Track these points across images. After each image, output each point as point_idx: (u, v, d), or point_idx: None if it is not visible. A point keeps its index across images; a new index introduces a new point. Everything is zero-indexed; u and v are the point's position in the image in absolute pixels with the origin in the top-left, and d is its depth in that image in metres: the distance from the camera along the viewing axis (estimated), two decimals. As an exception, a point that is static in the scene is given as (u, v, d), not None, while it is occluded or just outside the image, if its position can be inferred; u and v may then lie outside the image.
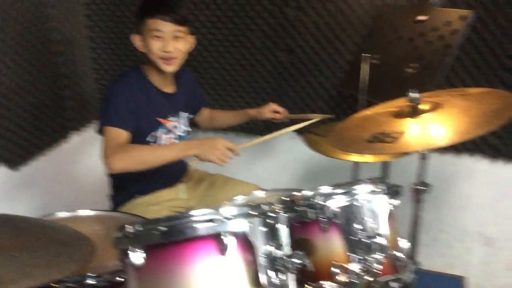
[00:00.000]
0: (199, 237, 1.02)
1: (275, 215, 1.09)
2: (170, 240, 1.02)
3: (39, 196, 2.54)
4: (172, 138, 2.06)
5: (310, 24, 2.37)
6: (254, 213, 1.07)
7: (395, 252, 1.25)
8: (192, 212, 1.03)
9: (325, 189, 1.41)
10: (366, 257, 1.19)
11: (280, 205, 1.29)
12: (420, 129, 1.37)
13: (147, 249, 1.03)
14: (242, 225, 1.03)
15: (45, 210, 2.54)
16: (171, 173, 2.17)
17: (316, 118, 2.13)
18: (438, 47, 1.80)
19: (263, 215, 1.07)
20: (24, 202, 2.44)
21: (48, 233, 1.28)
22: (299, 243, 1.28)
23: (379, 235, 1.20)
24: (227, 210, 1.04)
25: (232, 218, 1.02)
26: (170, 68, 1.95)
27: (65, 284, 1.29)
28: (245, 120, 2.33)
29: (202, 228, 1.01)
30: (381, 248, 1.20)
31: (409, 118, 1.44)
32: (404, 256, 1.29)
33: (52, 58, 2.46)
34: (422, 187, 1.58)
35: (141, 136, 1.94)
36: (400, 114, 1.49)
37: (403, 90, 1.88)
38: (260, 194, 1.91)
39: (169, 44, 1.88)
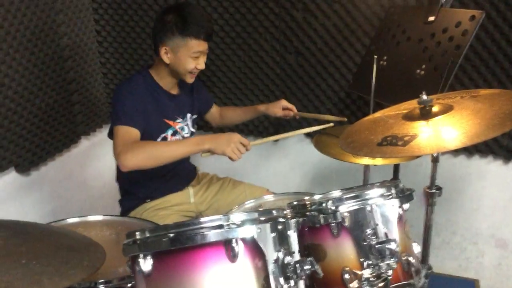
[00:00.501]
0: (208, 244, 1.00)
1: (285, 221, 1.07)
2: (179, 247, 1.01)
3: (49, 200, 2.55)
4: (178, 139, 2.06)
5: (318, 26, 2.36)
6: (264, 218, 1.05)
7: (407, 257, 1.23)
8: (201, 219, 1.02)
9: (335, 193, 1.40)
10: (378, 262, 1.17)
11: (290, 210, 1.29)
12: (432, 132, 1.35)
13: (157, 256, 1.03)
14: (251, 231, 1.01)
15: (55, 214, 2.57)
16: (180, 177, 2.18)
17: (329, 119, 2.12)
18: (448, 48, 1.78)
19: (273, 220, 1.06)
20: (34, 206, 2.45)
21: (57, 239, 1.27)
22: (310, 249, 1.28)
23: (391, 240, 1.18)
24: (237, 216, 1.03)
25: (241, 224, 1.01)
26: (193, 79, 2.01)
27: (74, 290, 1.28)
28: (255, 116, 2.33)
29: (212, 235, 0.99)
30: (393, 254, 1.18)
31: (420, 121, 1.42)
32: (416, 261, 1.27)
33: (61, 63, 2.46)
34: (434, 190, 1.56)
35: (150, 138, 1.94)
36: (410, 117, 1.47)
37: (412, 92, 1.87)
38: (269, 198, 1.89)
39: (202, 62, 1.95)
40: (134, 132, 1.83)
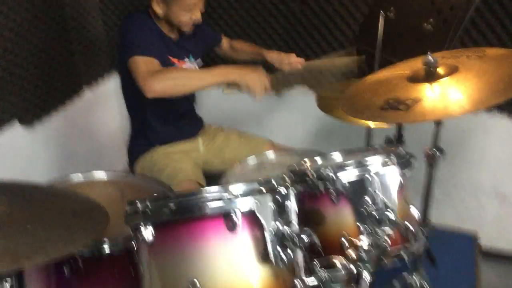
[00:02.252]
0: (208, 215, 1.02)
1: (283, 192, 1.08)
2: (180, 217, 1.02)
3: (54, 152, 2.57)
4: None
5: (323, -27, 2.27)
6: (263, 190, 1.06)
7: (405, 223, 1.25)
8: (201, 190, 1.03)
9: (336, 156, 1.40)
10: (376, 229, 1.19)
11: (289, 177, 1.30)
12: (435, 97, 1.32)
13: (157, 226, 1.04)
14: (250, 204, 1.03)
15: (60, 165, 2.60)
16: (190, 125, 2.21)
17: (339, 62, 2.08)
18: (458, 2, 1.71)
19: (271, 191, 1.07)
20: (39, 158, 2.47)
21: (60, 202, 1.29)
22: (309, 213, 1.29)
23: (389, 208, 1.19)
24: (236, 188, 1.03)
25: (240, 196, 1.02)
26: (190, 30, 1.97)
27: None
28: (260, 59, 2.26)
29: (211, 207, 1.01)
30: (391, 221, 1.19)
31: (424, 83, 1.39)
32: (413, 225, 1.29)
33: (59, 11, 2.41)
34: (436, 153, 1.55)
35: None
36: (414, 78, 1.45)
37: (419, 47, 1.83)
38: (271, 155, 1.90)
39: (198, 14, 1.90)
40: (154, 61, 1.78)
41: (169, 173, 1.98)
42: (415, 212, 1.35)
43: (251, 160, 1.90)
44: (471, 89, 1.28)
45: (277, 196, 1.07)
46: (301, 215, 1.31)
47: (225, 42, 2.31)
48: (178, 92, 1.75)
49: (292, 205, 1.09)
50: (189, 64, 2.05)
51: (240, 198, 1.02)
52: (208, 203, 1.02)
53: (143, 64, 1.73)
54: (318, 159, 1.44)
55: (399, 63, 1.67)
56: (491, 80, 1.31)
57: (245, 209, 1.03)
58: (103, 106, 2.93)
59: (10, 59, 2.16)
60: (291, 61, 2.15)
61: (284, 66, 2.16)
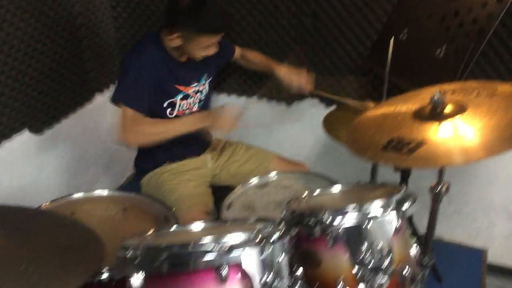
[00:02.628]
0: (198, 268, 1.02)
1: (276, 243, 1.07)
2: (170, 269, 1.02)
3: (64, 157, 2.60)
4: (191, 103, 2.06)
5: (337, -12, 2.23)
6: (254, 241, 1.05)
7: (402, 268, 1.23)
8: (192, 242, 1.02)
9: (336, 189, 1.39)
10: (372, 277, 1.18)
11: (286, 218, 1.29)
12: (439, 143, 1.29)
13: (147, 275, 1.04)
14: (241, 255, 1.02)
15: (70, 170, 2.62)
16: (198, 143, 2.21)
17: (348, 102, 2.07)
18: (471, 31, 1.66)
19: (263, 243, 1.06)
20: (49, 164, 2.50)
21: (57, 235, 1.30)
22: (305, 255, 1.29)
23: (386, 257, 1.18)
24: (228, 240, 1.03)
25: (232, 249, 1.01)
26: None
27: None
28: (269, 72, 2.26)
29: (202, 260, 1.00)
30: (387, 269, 1.18)
31: (429, 123, 1.36)
32: (412, 267, 1.27)
33: (71, 20, 2.40)
34: (440, 189, 1.52)
35: (158, 103, 1.95)
36: (420, 115, 1.41)
37: (430, 74, 1.80)
38: (274, 176, 1.94)
39: (214, 48, 1.92)
40: (140, 116, 1.87)
41: (176, 199, 1.98)
42: (414, 252, 1.33)
43: (254, 181, 1.89)
44: (478, 135, 1.25)
45: (268, 248, 1.06)
46: (297, 257, 1.31)
47: (237, 51, 2.30)
48: (150, 143, 1.92)
49: (282, 258, 1.07)
50: (196, 88, 2.05)
51: (232, 251, 1.01)
52: (199, 256, 1.01)
53: (128, 117, 1.84)
54: (318, 194, 1.43)
55: (408, 94, 1.63)
56: (500, 125, 1.27)
57: (236, 261, 1.02)
58: (114, 110, 2.92)
59: (21, 70, 2.17)
60: (301, 81, 2.12)
61: (294, 86, 2.15)
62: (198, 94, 2.06)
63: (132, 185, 2.20)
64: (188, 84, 2.00)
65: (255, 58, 2.31)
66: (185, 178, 2.08)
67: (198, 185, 2.06)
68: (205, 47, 1.87)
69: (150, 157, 2.13)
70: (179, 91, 1.99)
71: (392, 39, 1.74)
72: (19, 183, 2.34)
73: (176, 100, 1.99)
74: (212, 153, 2.22)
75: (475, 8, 1.67)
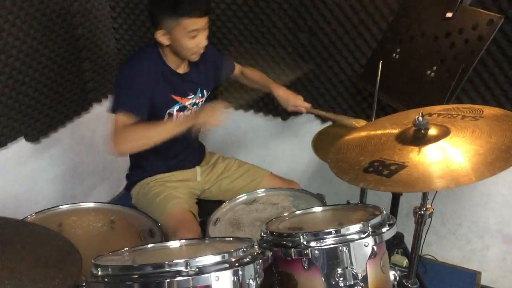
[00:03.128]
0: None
1: (244, 268, 1.07)
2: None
3: (59, 165, 2.62)
4: (188, 116, 2.03)
5: (333, 6, 2.23)
6: (227, 264, 1.05)
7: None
8: (163, 263, 1.02)
9: (316, 210, 1.38)
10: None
11: (264, 239, 1.29)
12: (420, 167, 1.28)
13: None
14: (208, 280, 1.01)
15: (65, 180, 2.64)
16: (190, 158, 2.19)
17: (342, 121, 2.07)
18: (462, 52, 1.66)
19: (234, 265, 1.06)
20: (44, 171, 2.52)
21: (36, 248, 1.30)
22: (282, 276, 1.28)
23: (359, 280, 1.17)
24: (197, 262, 1.02)
25: (199, 272, 1.01)
26: (197, 58, 1.94)
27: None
28: (267, 91, 2.27)
29: (171, 282, 1.00)
30: (361, 294, 1.17)
31: (411, 147, 1.35)
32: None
33: (71, 30, 2.43)
34: (425, 212, 1.51)
35: (156, 114, 1.94)
36: (403, 138, 1.40)
37: (420, 94, 1.79)
38: (262, 193, 1.94)
39: (203, 39, 1.86)
40: (132, 119, 1.82)
41: (162, 199, 1.99)
42: (392, 277, 1.32)
43: (242, 197, 1.89)
44: (460, 160, 1.24)
45: (239, 271, 1.05)
46: (275, 277, 1.31)
47: (237, 69, 2.29)
48: (142, 148, 1.82)
49: (253, 282, 1.07)
50: (193, 100, 2.04)
51: (200, 275, 1.01)
52: (170, 277, 1.01)
53: (119, 122, 1.79)
54: (299, 214, 1.43)
55: (394, 115, 1.63)
56: (480, 151, 1.26)
57: (204, 284, 1.02)
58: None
59: (18, 79, 2.20)
60: (297, 104, 2.13)
61: (289, 107, 2.15)
62: (195, 107, 2.07)
63: (127, 196, 2.20)
64: (184, 95, 2.00)
65: (254, 76, 2.31)
66: (173, 185, 2.09)
67: (185, 192, 2.06)
68: (192, 36, 1.82)
69: (140, 169, 2.13)
70: (176, 102, 1.99)
71: (380, 62, 1.73)
72: (14, 191, 2.36)
73: (173, 111, 1.99)
74: (203, 167, 2.22)
75: (466, 29, 1.67)
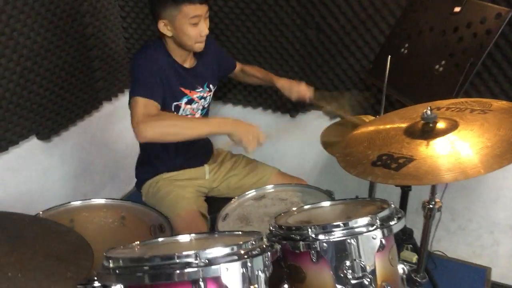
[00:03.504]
0: (176, 282, 1.02)
1: (253, 260, 1.08)
2: (150, 282, 1.03)
3: (70, 163, 2.65)
4: (194, 108, 2.05)
5: (341, 2, 2.23)
6: (236, 255, 1.06)
7: (385, 286, 1.22)
8: (172, 255, 1.04)
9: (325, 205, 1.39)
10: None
11: (273, 233, 1.30)
12: (428, 160, 1.28)
13: (127, 285, 1.06)
14: (218, 271, 1.02)
15: (76, 178, 2.66)
16: (199, 155, 2.21)
17: (345, 116, 2.08)
18: (470, 46, 1.65)
19: (244, 257, 1.06)
20: (56, 169, 2.55)
21: (48, 242, 1.32)
22: (291, 269, 1.29)
23: (367, 275, 1.17)
24: (206, 253, 1.03)
25: (209, 263, 1.02)
26: (202, 47, 1.93)
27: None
28: (270, 85, 2.30)
29: (180, 273, 1.01)
30: (370, 287, 1.17)
31: (419, 140, 1.36)
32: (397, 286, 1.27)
33: (81, 30, 2.46)
34: (434, 206, 1.51)
35: (163, 106, 1.91)
36: (412, 132, 1.41)
37: (429, 89, 1.79)
38: (271, 189, 1.93)
39: (204, 27, 1.86)
40: (153, 104, 1.80)
41: (171, 200, 2.00)
42: (401, 271, 1.32)
43: (251, 193, 1.90)
44: (468, 153, 1.24)
45: (248, 263, 1.06)
46: (283, 271, 1.32)
47: (238, 66, 2.31)
48: (169, 140, 1.80)
49: (261, 275, 1.08)
50: (201, 93, 2.05)
51: (208, 267, 1.02)
52: (180, 268, 1.02)
53: (141, 106, 1.75)
54: (308, 208, 1.43)
55: (402, 110, 1.63)
56: (488, 144, 1.26)
57: (214, 275, 1.03)
58: (122, 117, 2.96)
59: (29, 78, 2.22)
60: (300, 90, 2.14)
61: (293, 94, 2.16)
62: (202, 100, 2.07)
63: (137, 194, 2.22)
64: (193, 88, 2.01)
65: (255, 72, 2.32)
66: (181, 184, 2.10)
67: (193, 192, 2.08)
68: (193, 23, 1.82)
69: (149, 167, 2.15)
70: (184, 94, 2.00)
71: (389, 57, 1.73)
72: (26, 189, 2.39)
73: (181, 103, 2.00)
74: (211, 165, 2.23)
75: (474, 23, 1.66)
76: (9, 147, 2.23)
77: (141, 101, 1.77)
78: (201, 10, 1.82)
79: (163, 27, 1.86)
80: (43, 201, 2.46)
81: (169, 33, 1.87)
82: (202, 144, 2.21)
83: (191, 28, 1.83)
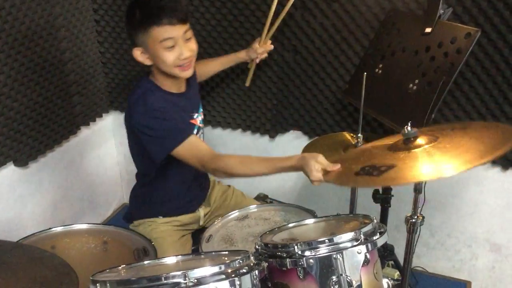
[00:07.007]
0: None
1: (244, 277, 1.08)
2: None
3: (49, 190, 2.61)
4: (199, 136, 1.98)
5: (316, 26, 2.29)
6: (224, 274, 1.07)
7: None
8: (160, 276, 1.04)
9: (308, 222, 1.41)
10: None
11: (259, 251, 1.31)
12: (408, 163, 1.32)
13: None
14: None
15: (55, 203, 2.63)
16: (195, 199, 2.10)
17: None
18: (442, 64, 1.72)
19: (231, 276, 1.07)
20: (33, 197, 2.51)
21: (32, 269, 1.31)
22: (277, 287, 1.30)
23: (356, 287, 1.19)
24: (195, 273, 1.04)
25: (198, 283, 1.03)
26: (188, 73, 1.79)
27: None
28: (236, 62, 2.34)
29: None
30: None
31: (402, 152, 1.39)
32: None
33: (58, 55, 2.45)
34: (416, 220, 1.55)
35: None
36: (394, 147, 1.45)
37: (404, 107, 1.84)
38: (254, 209, 1.93)
39: (184, 49, 1.70)
40: (197, 137, 1.78)
41: (161, 245, 1.87)
42: (386, 285, 1.34)
43: (234, 213, 1.91)
44: (445, 156, 1.28)
45: (236, 282, 1.07)
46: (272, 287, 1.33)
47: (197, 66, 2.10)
48: (239, 176, 1.73)
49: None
50: (199, 117, 1.97)
51: (199, 286, 1.02)
52: (166, 288, 1.02)
53: (194, 145, 1.72)
54: (292, 226, 1.45)
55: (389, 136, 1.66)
56: (468, 146, 1.30)
57: (204, 295, 1.03)
58: (100, 142, 2.97)
59: (6, 104, 2.20)
60: (255, 47, 2.25)
61: (253, 54, 2.27)
62: (201, 123, 1.99)
63: (117, 219, 2.18)
64: (193, 116, 1.93)
65: (210, 62, 2.32)
66: (174, 232, 2.00)
67: (186, 240, 2.03)
68: (167, 47, 1.67)
69: (144, 207, 2.04)
70: (194, 125, 1.91)
71: (365, 74, 1.78)
72: (3, 216, 2.35)
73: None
74: (206, 209, 2.11)
75: (445, 43, 1.73)
76: (-14, 175, 2.20)
77: (188, 142, 1.70)
78: (174, 32, 1.66)
79: (139, 56, 1.74)
80: (22, 228, 2.42)
81: (147, 62, 1.74)
82: (203, 187, 2.12)
83: (167, 53, 1.69)
